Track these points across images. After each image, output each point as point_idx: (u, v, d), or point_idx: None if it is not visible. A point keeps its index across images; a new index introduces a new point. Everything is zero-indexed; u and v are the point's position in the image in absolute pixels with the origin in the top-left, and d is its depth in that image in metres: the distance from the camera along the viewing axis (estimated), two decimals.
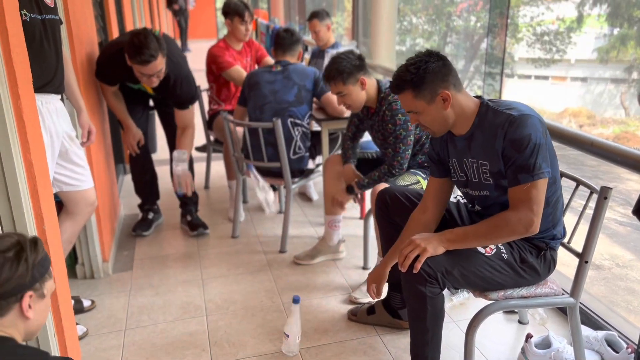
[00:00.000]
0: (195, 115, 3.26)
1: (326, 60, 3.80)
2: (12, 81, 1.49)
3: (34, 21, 1.99)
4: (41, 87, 2.00)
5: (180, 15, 12.44)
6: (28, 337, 1.23)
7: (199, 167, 4.17)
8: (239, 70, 3.44)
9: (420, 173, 2.43)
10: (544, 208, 1.66)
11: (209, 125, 3.73)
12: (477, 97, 1.74)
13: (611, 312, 2.35)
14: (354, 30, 5.04)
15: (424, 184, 2.39)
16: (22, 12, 1.88)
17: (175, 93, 2.97)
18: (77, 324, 2.29)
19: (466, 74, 13.75)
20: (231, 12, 3.42)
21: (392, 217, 2.10)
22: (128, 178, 4.34)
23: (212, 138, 3.82)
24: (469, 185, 1.79)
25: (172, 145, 3.23)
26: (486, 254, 1.71)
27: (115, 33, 4.09)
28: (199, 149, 4.05)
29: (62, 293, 1.74)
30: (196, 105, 3.22)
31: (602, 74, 12.34)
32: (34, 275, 1.17)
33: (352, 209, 3.47)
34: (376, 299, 2.09)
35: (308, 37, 5.24)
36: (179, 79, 2.92)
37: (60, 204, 2.24)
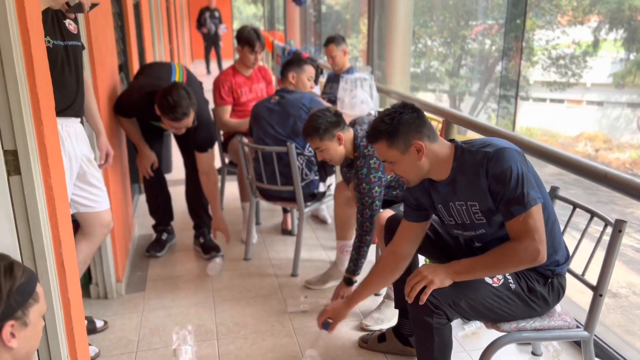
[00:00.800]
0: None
1: (341, 84, 3.85)
2: (35, 107, 1.54)
3: (57, 47, 2.05)
4: (61, 111, 2.05)
5: (209, 40, 12.02)
6: None
7: None
8: (223, 111, 3.56)
9: None
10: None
11: (224, 147, 3.78)
12: (450, 140, 1.78)
13: (626, 345, 2.32)
14: (369, 54, 5.09)
15: None
16: (46, 38, 1.94)
17: (195, 137, 3.05)
18: (89, 344, 2.30)
19: (481, 96, 13.77)
20: (242, 40, 3.49)
21: None
22: (143, 198, 4.38)
23: (226, 160, 3.87)
24: (460, 227, 1.81)
25: (189, 168, 3.27)
26: (493, 285, 1.71)
27: (134, 56, 4.18)
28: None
29: (76, 315, 1.76)
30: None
31: (619, 99, 12.28)
32: (10, 304, 1.12)
33: None
34: (325, 331, 2.12)
35: (323, 61, 5.30)
36: (200, 125, 2.99)
37: (76, 225, 2.28)
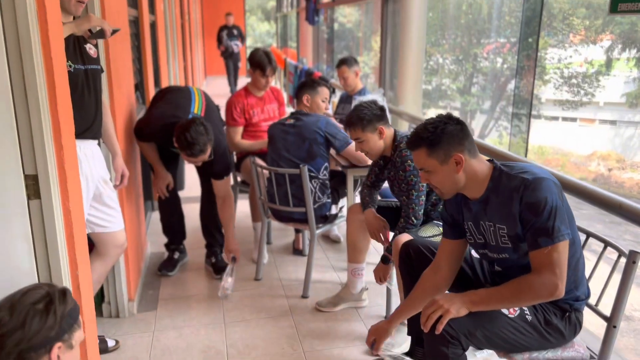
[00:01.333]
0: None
1: (353, 105, 3.88)
2: (56, 133, 1.57)
3: (78, 71, 2.10)
4: (80, 133, 2.09)
5: (228, 58, 11.91)
6: None
7: None
8: (235, 132, 3.61)
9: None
10: (568, 266, 1.65)
11: (236, 166, 3.82)
12: (489, 160, 1.77)
13: None
14: (381, 76, 5.13)
15: None
16: (67, 63, 1.99)
17: (211, 166, 3.09)
18: None
19: (492, 114, 13.76)
20: (254, 64, 3.55)
21: (415, 271, 2.10)
22: (156, 215, 4.42)
23: (239, 179, 3.90)
24: (487, 247, 1.80)
25: (205, 188, 3.31)
26: (510, 316, 1.70)
27: (150, 74, 4.25)
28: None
29: (90, 337, 1.78)
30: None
31: (632, 118, 12.20)
32: (63, 327, 1.21)
33: (375, 254, 3.47)
34: (375, 354, 2.06)
35: (335, 79, 5.35)
36: (217, 155, 3.04)
37: (90, 244, 2.31)
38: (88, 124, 2.17)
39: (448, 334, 1.63)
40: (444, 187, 1.76)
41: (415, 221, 2.41)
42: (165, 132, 2.92)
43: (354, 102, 3.86)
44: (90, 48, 2.20)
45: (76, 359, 1.28)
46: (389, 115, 3.85)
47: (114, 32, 2.14)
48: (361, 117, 2.44)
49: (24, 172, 1.52)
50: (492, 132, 13.81)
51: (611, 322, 1.75)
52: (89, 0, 2.16)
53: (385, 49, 5.41)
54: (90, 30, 2.06)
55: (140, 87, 4.05)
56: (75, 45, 2.10)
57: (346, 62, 4.06)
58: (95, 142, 2.28)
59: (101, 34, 2.08)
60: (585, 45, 10.78)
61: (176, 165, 3.34)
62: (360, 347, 2.52)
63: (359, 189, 2.75)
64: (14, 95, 1.47)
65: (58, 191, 1.59)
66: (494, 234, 1.74)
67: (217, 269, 3.26)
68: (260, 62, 3.52)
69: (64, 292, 1.24)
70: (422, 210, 2.41)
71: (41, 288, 1.22)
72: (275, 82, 11.68)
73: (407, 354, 2.26)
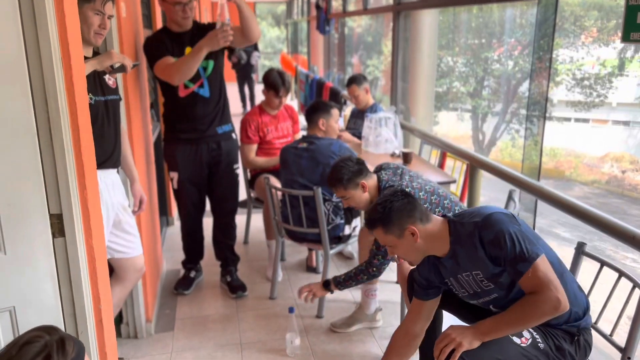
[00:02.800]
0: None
1: (365, 122, 3.91)
2: (79, 171, 1.62)
3: (98, 103, 2.15)
4: (100, 163, 2.14)
5: (240, 71, 10.08)
6: None
7: (240, 221, 4.28)
8: (249, 149, 3.68)
9: None
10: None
11: (250, 184, 3.86)
12: (443, 216, 1.86)
13: None
14: (393, 92, 5.14)
15: None
16: (88, 95, 2.04)
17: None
18: None
19: (503, 117, 13.70)
20: (268, 85, 3.60)
21: None
22: (171, 230, 4.48)
23: (252, 195, 3.94)
24: (474, 297, 1.86)
25: (216, 212, 3.37)
26: (522, 345, 1.72)
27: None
28: (240, 204, 4.18)
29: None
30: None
31: None
32: None
33: (389, 272, 3.49)
34: None
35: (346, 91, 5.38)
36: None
37: (110, 268, 2.36)
38: (108, 154, 2.22)
39: None
40: (410, 257, 1.88)
41: (374, 271, 2.48)
42: (160, 34, 2.98)
43: (366, 119, 3.90)
44: (109, 79, 2.25)
45: None
46: (400, 133, 3.89)
47: (134, 66, 2.19)
48: (340, 178, 2.49)
49: (49, 212, 1.57)
50: (503, 135, 13.77)
51: (626, 353, 1.77)
52: (107, 31, 2.21)
53: (397, 63, 5.43)
54: (112, 66, 2.11)
55: (155, 104, 4.11)
56: (95, 77, 2.15)
57: (355, 80, 4.09)
58: (115, 170, 2.33)
59: (122, 68, 2.13)
60: (597, 47, 10.71)
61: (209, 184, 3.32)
62: None
63: (364, 213, 2.78)
64: (39, 136, 1.52)
65: (82, 229, 1.63)
66: (474, 281, 1.80)
67: (233, 288, 3.30)
68: (274, 83, 3.56)
69: (62, 341, 1.19)
70: (386, 265, 2.49)
71: (40, 338, 1.17)
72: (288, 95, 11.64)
73: None
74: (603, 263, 1.97)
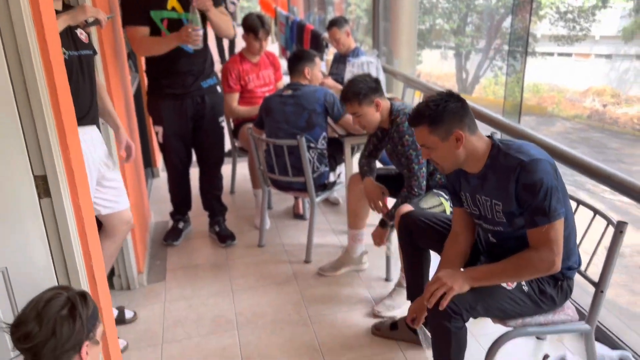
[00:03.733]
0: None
1: (347, 67, 3.87)
2: (60, 132, 1.61)
3: (72, 58, 2.11)
4: (78, 120, 2.12)
5: None
6: None
7: (225, 171, 4.29)
8: (231, 98, 3.64)
9: (443, 194, 2.51)
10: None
11: (234, 134, 3.85)
12: (488, 137, 1.82)
13: (628, 329, 2.43)
14: (375, 36, 5.05)
15: (446, 205, 2.47)
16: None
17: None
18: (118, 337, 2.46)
19: (487, 54, 13.59)
20: (247, 28, 3.53)
21: (415, 242, 2.19)
22: (157, 182, 4.49)
23: (237, 145, 3.94)
24: (481, 219, 1.88)
25: (202, 163, 3.37)
26: (508, 288, 1.79)
27: None
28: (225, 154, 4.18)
29: (108, 321, 1.88)
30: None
31: (628, 51, 12.08)
32: (88, 327, 1.30)
33: (375, 217, 3.56)
34: (417, 327, 2.11)
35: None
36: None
37: (98, 224, 2.38)
38: (85, 111, 2.19)
39: (451, 309, 1.72)
40: (445, 163, 1.82)
41: (417, 192, 2.48)
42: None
43: (348, 63, 3.86)
44: (81, 33, 2.19)
45: (99, 349, 1.39)
46: (383, 78, 3.87)
47: (109, 18, 2.13)
48: (357, 92, 2.46)
49: (33, 173, 1.57)
50: (487, 72, 13.71)
51: (599, 287, 1.85)
52: None
53: (379, 1, 5.31)
54: (86, 21, 2.05)
55: (132, 55, 4.01)
56: (67, 32, 2.09)
57: (336, 23, 4.01)
58: (94, 126, 2.30)
59: (97, 22, 2.07)
60: None
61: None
62: (363, 310, 2.65)
63: (358, 159, 2.80)
64: (16, 99, 1.50)
65: (67, 189, 1.64)
66: (490, 208, 1.81)
67: (222, 237, 3.36)
68: (252, 25, 3.50)
69: (84, 295, 1.32)
70: (425, 182, 2.48)
71: (61, 294, 1.29)
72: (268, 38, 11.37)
73: (406, 317, 2.39)
74: (579, 202, 2.03)
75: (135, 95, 3.87)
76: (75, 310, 1.27)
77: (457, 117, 1.74)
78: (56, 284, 1.65)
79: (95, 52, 2.32)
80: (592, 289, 1.88)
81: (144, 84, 4.31)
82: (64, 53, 2.04)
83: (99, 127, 2.39)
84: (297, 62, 3.14)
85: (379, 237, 2.65)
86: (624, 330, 2.41)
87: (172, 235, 3.41)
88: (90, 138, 2.25)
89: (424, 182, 2.49)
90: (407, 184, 2.48)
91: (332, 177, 3.17)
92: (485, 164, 1.79)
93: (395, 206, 2.53)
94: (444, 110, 1.74)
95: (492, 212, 1.82)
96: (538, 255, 1.70)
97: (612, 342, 2.27)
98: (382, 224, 2.62)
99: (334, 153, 3.21)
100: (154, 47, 2.94)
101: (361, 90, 2.46)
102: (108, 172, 2.36)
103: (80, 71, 2.15)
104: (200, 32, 2.81)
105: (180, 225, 3.45)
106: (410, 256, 2.23)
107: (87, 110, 2.21)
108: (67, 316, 1.25)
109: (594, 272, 1.89)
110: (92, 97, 2.25)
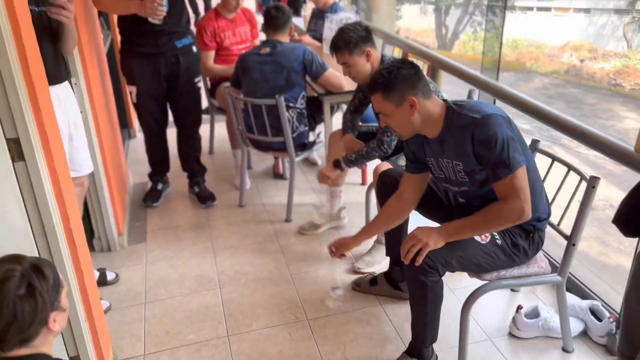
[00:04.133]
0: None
1: (326, 24, 3.80)
2: (32, 94, 1.57)
3: (33, 14, 2.02)
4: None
5: None
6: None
7: (204, 132, 4.25)
8: (207, 56, 3.56)
9: None
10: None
11: (211, 93, 3.79)
12: (444, 100, 1.85)
13: (598, 280, 2.53)
14: None
15: None
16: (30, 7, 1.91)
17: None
18: (100, 299, 2.47)
19: (466, 9, 13.47)
20: None
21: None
22: (134, 143, 4.43)
23: (214, 105, 3.88)
24: (448, 182, 1.93)
25: (179, 123, 3.32)
26: (482, 242, 1.84)
27: None
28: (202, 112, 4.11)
29: (89, 282, 1.89)
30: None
31: (606, 5, 12.09)
32: (51, 301, 1.23)
33: (354, 174, 3.59)
34: (333, 258, 2.28)
35: None
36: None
37: None
38: (52, 69, 2.12)
39: (427, 264, 1.77)
40: (401, 129, 1.86)
41: (386, 148, 2.46)
42: None
43: (327, 20, 3.79)
44: None
45: (67, 309, 1.33)
46: None
47: None
48: (347, 41, 2.40)
49: (5, 136, 1.54)
50: (466, 28, 13.61)
51: (571, 240, 1.92)
52: None
53: None
54: None
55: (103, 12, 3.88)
56: None
57: None
58: (64, 83, 2.24)
59: None
60: None
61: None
62: (344, 267, 2.70)
63: (343, 114, 2.78)
64: None
65: (41, 152, 1.61)
66: (452, 170, 1.86)
67: (202, 198, 3.36)
68: None
69: (36, 267, 1.23)
70: (395, 142, 2.48)
71: (13, 271, 1.19)
72: None
73: (385, 273, 2.45)
74: (554, 158, 2.07)
75: (109, 54, 3.76)
76: (34, 287, 1.19)
77: (409, 83, 1.77)
78: (35, 248, 1.64)
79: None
80: (564, 242, 1.94)
81: (117, 42, 4.19)
82: (33, 9, 1.97)
83: (71, 85, 2.33)
84: (285, 22, 3.05)
85: (325, 177, 2.65)
86: (593, 281, 2.51)
87: (151, 197, 3.39)
88: (57, 97, 2.18)
89: (395, 142, 2.48)
90: (379, 137, 2.47)
91: (311, 137, 3.16)
92: (442, 127, 1.82)
93: (361, 154, 2.52)
94: (396, 77, 1.77)
95: (455, 173, 1.86)
96: (507, 205, 1.74)
97: (582, 292, 2.36)
98: (336, 164, 2.61)
99: (313, 112, 3.19)
100: (111, 4, 2.89)
101: (352, 39, 2.39)
102: (77, 133, 2.31)
103: (43, 28, 2.07)
104: (165, 9, 2.74)
105: (159, 186, 3.43)
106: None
107: (54, 68, 2.14)
108: (25, 295, 1.18)
109: (567, 226, 1.95)
110: (57, 55, 2.17)
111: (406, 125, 1.83)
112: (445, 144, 1.83)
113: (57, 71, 2.15)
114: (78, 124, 2.31)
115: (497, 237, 1.87)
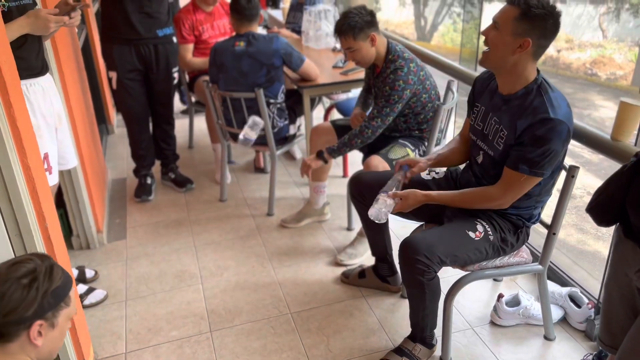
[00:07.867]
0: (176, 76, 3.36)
1: (305, 16, 3.77)
2: (2, 90, 1.52)
3: (11, 9, 1.97)
4: (27, 74, 2.02)
5: None
6: None
7: (183, 126, 4.20)
8: (185, 50, 3.53)
9: (410, 145, 2.51)
10: (537, 194, 1.83)
11: (189, 87, 3.74)
12: (538, 71, 1.76)
13: (577, 267, 2.57)
14: None
15: (412, 156, 2.48)
16: (0, 3, 1.87)
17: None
18: (94, 289, 2.48)
19: (444, 1, 13.49)
20: None
21: (368, 204, 2.14)
22: (112, 139, 4.36)
23: (193, 99, 3.84)
24: (482, 138, 1.88)
25: (155, 115, 3.31)
26: (476, 239, 1.84)
27: None
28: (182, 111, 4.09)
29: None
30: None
31: None
32: (43, 305, 1.17)
33: (335, 166, 3.58)
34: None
35: None
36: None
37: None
38: (30, 63, 2.08)
39: (424, 264, 1.77)
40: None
41: (369, 133, 2.45)
42: None
43: (305, 12, 3.76)
44: None
45: (61, 335, 1.26)
46: None
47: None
48: (352, 25, 2.36)
49: None
50: (445, 19, 13.65)
51: (551, 229, 1.93)
52: None
53: None
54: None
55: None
56: None
57: None
58: (45, 76, 2.19)
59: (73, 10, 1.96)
60: None
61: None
62: (326, 260, 2.69)
63: (360, 91, 2.84)
64: None
65: (14, 150, 1.57)
66: (495, 131, 1.81)
67: (179, 183, 3.36)
68: None
69: (51, 268, 1.21)
70: (381, 129, 2.47)
71: (30, 262, 1.19)
72: None
73: (373, 267, 2.45)
74: None
75: (84, 49, 3.69)
76: (36, 282, 1.17)
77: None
78: (10, 247, 1.60)
79: (35, 2, 2.18)
80: (545, 231, 1.96)
81: (92, 36, 4.12)
82: (3, 5, 1.92)
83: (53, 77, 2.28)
84: (255, 12, 2.99)
85: (307, 167, 2.61)
86: (572, 268, 2.54)
87: (143, 191, 3.33)
88: (40, 88, 2.14)
89: (380, 131, 2.47)
90: (366, 120, 2.45)
91: (292, 130, 3.13)
92: (517, 91, 1.73)
93: (343, 142, 2.51)
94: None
95: (496, 137, 1.80)
96: (493, 194, 1.77)
97: (561, 280, 2.39)
98: (319, 154, 2.59)
99: (293, 105, 3.17)
100: None
101: (357, 23, 2.36)
102: (60, 126, 2.27)
103: None
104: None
105: (149, 181, 3.39)
106: (366, 218, 2.24)
107: (33, 61, 2.10)
108: (24, 285, 1.15)
109: (547, 215, 1.96)
110: (39, 48, 2.13)
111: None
112: (508, 107, 1.75)
113: (42, 63, 2.12)
114: (62, 116, 2.27)
115: (490, 232, 1.87)
